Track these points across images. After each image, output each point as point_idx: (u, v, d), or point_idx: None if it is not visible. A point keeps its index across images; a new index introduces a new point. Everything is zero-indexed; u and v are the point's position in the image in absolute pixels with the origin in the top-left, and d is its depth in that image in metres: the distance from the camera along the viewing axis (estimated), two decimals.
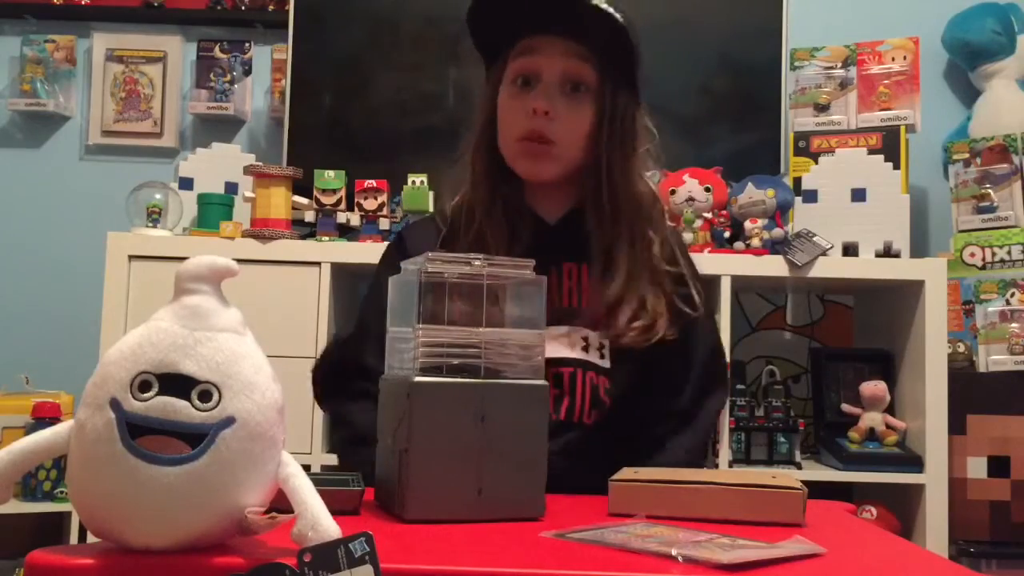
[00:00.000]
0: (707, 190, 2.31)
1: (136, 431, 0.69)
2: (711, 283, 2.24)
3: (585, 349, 1.29)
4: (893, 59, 2.48)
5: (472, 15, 1.32)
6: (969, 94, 2.75)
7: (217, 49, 2.82)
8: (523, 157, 1.31)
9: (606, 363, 1.29)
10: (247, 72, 2.81)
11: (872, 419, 2.24)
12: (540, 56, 1.28)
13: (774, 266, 2.22)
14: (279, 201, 2.25)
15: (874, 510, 2.18)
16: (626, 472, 1.02)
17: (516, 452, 0.93)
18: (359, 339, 1.36)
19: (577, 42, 1.28)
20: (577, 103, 1.29)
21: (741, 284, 2.39)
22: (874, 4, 2.81)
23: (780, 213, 2.25)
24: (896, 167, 2.32)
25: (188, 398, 0.70)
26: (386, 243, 2.20)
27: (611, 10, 1.25)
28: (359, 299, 2.36)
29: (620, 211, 1.31)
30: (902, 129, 2.40)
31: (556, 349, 1.25)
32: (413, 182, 2.30)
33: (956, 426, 2.17)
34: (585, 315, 1.29)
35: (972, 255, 2.40)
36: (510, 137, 1.31)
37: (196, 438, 0.70)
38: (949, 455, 2.16)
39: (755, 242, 2.23)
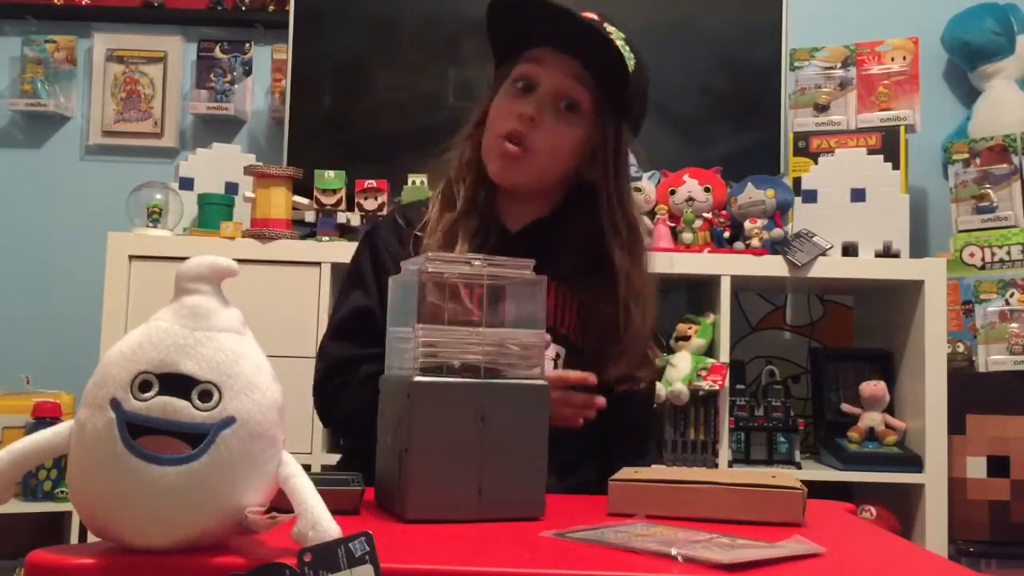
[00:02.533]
0: (707, 190, 2.31)
1: (136, 431, 0.69)
2: (711, 283, 2.24)
3: (554, 364, 1.31)
4: (893, 59, 2.48)
5: (492, 11, 1.34)
6: (969, 94, 2.75)
7: (217, 49, 2.82)
8: (498, 156, 1.32)
9: None
10: (247, 72, 2.81)
11: (872, 419, 2.24)
12: (543, 67, 1.31)
13: (774, 266, 2.22)
14: (279, 201, 2.25)
15: (874, 510, 2.18)
16: (626, 472, 1.02)
17: (516, 452, 0.93)
18: (341, 333, 1.36)
19: (583, 66, 1.31)
20: (567, 121, 1.32)
21: (741, 284, 2.39)
22: (874, 4, 2.81)
23: (780, 213, 2.26)
24: (896, 167, 2.32)
25: (188, 398, 0.71)
26: None
27: (618, 41, 1.28)
28: None
29: (635, 241, 1.35)
30: (902, 129, 2.40)
31: None
32: (413, 182, 2.30)
33: (956, 426, 2.17)
34: (558, 333, 1.31)
35: (972, 255, 2.40)
36: (492, 134, 1.33)
37: (196, 438, 0.70)
38: (949, 455, 2.16)
39: (755, 242, 2.23)
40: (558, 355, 1.31)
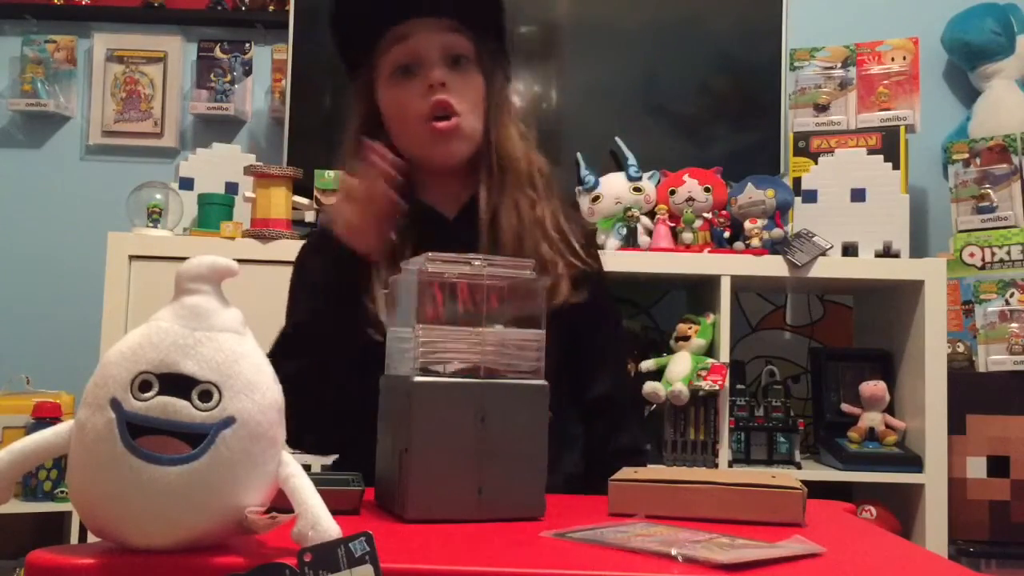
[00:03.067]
0: (707, 190, 2.31)
1: (136, 431, 0.69)
2: (711, 283, 2.24)
3: None
4: (893, 59, 2.48)
5: (335, 20, 1.29)
6: (969, 94, 2.75)
7: (217, 49, 2.82)
8: (434, 141, 1.27)
9: None
10: (247, 72, 2.81)
11: (872, 419, 2.24)
12: (413, 39, 1.27)
13: (774, 266, 2.22)
14: (279, 201, 2.25)
15: (874, 510, 2.18)
16: (626, 472, 1.03)
17: (516, 452, 0.93)
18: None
19: (445, 17, 1.27)
20: (464, 74, 1.28)
21: (741, 284, 2.39)
22: (874, 4, 2.81)
23: (780, 213, 2.26)
24: (896, 167, 2.32)
25: (188, 398, 0.71)
26: None
27: None
28: None
29: (505, 174, 1.30)
30: (902, 129, 2.40)
31: None
32: None
33: (956, 426, 2.17)
34: None
35: (971, 255, 2.40)
36: (414, 124, 1.28)
37: (196, 438, 0.70)
38: (949, 455, 2.16)
39: (755, 242, 2.23)
40: None
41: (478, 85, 1.30)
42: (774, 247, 2.23)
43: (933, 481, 2.15)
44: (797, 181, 2.34)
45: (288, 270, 2.20)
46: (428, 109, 1.26)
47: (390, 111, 1.30)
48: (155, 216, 2.30)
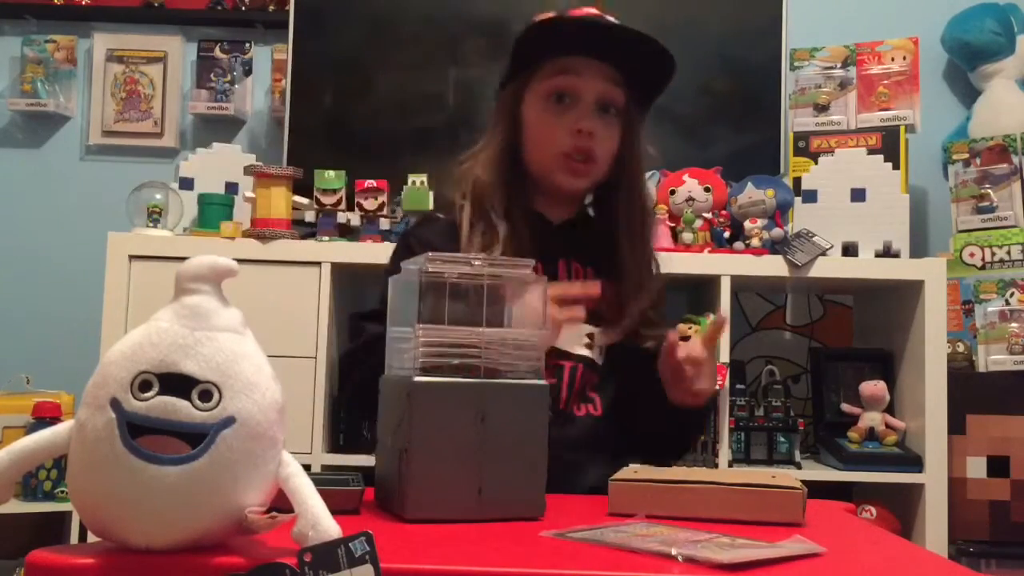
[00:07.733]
0: (707, 190, 2.31)
1: (136, 431, 0.69)
2: (711, 283, 2.24)
3: (589, 347, 1.36)
4: (893, 59, 2.48)
5: (534, 29, 1.36)
6: (969, 94, 2.75)
7: (217, 49, 2.82)
8: (565, 172, 1.37)
9: (600, 360, 1.37)
10: (247, 72, 2.81)
11: (872, 419, 2.24)
12: (579, 78, 1.35)
13: (774, 266, 2.22)
14: (279, 201, 2.25)
15: (874, 510, 2.18)
16: (626, 472, 1.03)
17: (516, 452, 0.93)
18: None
19: (613, 66, 1.35)
20: (609, 125, 1.37)
21: (741, 284, 2.39)
22: (874, 4, 2.81)
23: (780, 213, 2.26)
24: (896, 167, 2.32)
25: (188, 398, 0.71)
26: (386, 243, 2.21)
27: (658, 41, 1.34)
28: (359, 299, 2.36)
29: (645, 227, 1.43)
30: (902, 129, 2.40)
31: (562, 342, 1.30)
32: (413, 182, 2.30)
33: (956, 426, 2.17)
34: (593, 315, 1.33)
35: (971, 255, 2.40)
36: (551, 151, 1.36)
37: (196, 438, 0.70)
38: (949, 455, 2.16)
39: (755, 242, 2.23)
40: (591, 335, 1.36)
41: (617, 136, 1.39)
42: (774, 247, 2.23)
43: (933, 481, 2.15)
44: (797, 181, 2.34)
45: (287, 270, 2.22)
46: (571, 148, 1.35)
47: (534, 130, 1.38)
48: (155, 216, 2.30)
